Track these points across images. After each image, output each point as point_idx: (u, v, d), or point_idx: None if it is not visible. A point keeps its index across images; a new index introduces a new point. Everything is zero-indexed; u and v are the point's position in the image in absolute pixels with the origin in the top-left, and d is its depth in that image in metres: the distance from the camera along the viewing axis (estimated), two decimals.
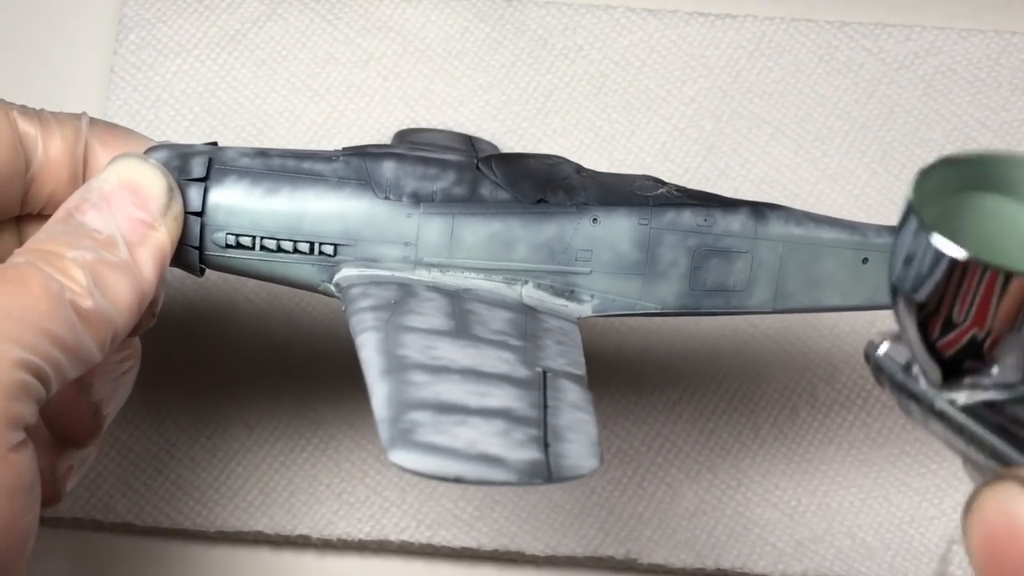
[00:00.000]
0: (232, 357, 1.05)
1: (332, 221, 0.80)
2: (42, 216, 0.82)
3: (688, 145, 1.12)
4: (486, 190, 0.82)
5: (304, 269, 0.81)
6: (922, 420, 0.63)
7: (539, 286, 0.82)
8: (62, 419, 0.80)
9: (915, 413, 0.63)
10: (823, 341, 1.07)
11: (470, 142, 1.08)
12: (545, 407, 0.72)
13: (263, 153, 0.81)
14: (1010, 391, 0.60)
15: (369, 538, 1.02)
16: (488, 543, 1.02)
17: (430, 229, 0.80)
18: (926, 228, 0.56)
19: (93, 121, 0.82)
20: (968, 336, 0.58)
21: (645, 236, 0.83)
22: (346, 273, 0.80)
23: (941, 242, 0.56)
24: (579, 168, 0.84)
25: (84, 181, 0.80)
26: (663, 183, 0.85)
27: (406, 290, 0.79)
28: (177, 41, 1.12)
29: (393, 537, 1.01)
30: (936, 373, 0.61)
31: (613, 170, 1.11)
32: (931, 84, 1.13)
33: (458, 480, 0.67)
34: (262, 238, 0.80)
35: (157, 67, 1.11)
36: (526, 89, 1.13)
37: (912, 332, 0.60)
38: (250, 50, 1.12)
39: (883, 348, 0.66)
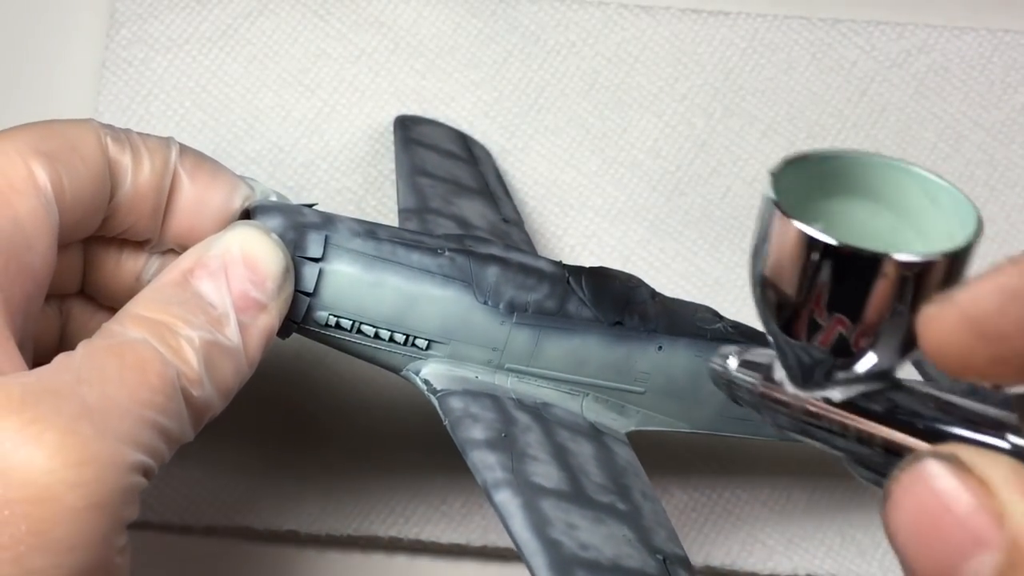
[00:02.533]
0: None
1: (433, 319, 0.82)
2: (113, 240, 0.80)
3: (680, 142, 1.12)
4: (572, 306, 0.85)
5: (393, 357, 0.83)
6: (796, 428, 0.61)
7: (597, 399, 0.87)
8: None
9: (785, 422, 0.61)
10: None
11: (465, 142, 1.08)
12: None
13: (373, 234, 0.81)
14: (885, 380, 0.58)
15: (357, 534, 1.01)
16: (476, 540, 1.02)
17: (518, 338, 0.84)
18: (791, 217, 0.54)
19: (183, 150, 0.80)
20: (838, 329, 0.56)
21: (698, 367, 0.88)
22: (434, 369, 0.83)
23: (808, 231, 0.53)
24: (653, 293, 0.89)
25: (164, 215, 0.79)
26: (720, 318, 0.90)
27: (502, 412, 0.82)
28: (168, 36, 1.12)
29: (381, 533, 1.01)
30: (806, 374, 0.59)
31: (605, 167, 1.11)
32: (923, 82, 1.13)
33: None
34: (362, 323, 0.81)
35: (148, 62, 1.11)
36: (518, 85, 1.13)
37: (778, 333, 0.58)
38: (241, 45, 1.12)
39: (733, 362, 0.65)
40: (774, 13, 1.15)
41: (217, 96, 1.11)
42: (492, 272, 0.83)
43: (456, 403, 0.82)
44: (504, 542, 1.01)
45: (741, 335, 0.89)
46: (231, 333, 0.72)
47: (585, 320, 0.85)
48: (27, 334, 0.72)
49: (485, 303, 0.83)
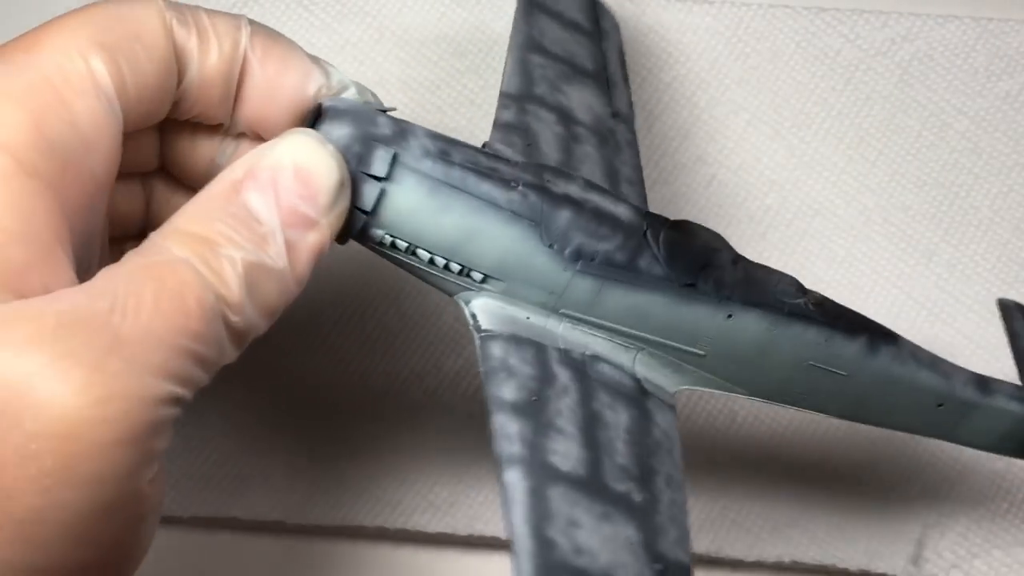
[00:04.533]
0: None
1: (492, 255, 0.78)
2: (186, 123, 0.77)
3: (665, 131, 1.12)
4: (644, 261, 0.80)
5: (446, 283, 0.79)
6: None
7: (652, 355, 0.83)
8: None
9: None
10: None
11: (595, 11, 1.03)
12: None
13: (446, 156, 0.76)
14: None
15: (344, 523, 1.01)
16: (462, 528, 1.02)
17: (579, 287, 0.79)
18: None
19: (254, 31, 0.74)
20: None
21: (767, 340, 0.84)
22: (486, 303, 0.79)
23: None
24: (736, 258, 0.84)
25: (235, 101, 0.75)
26: (805, 292, 0.85)
27: (541, 365, 0.78)
28: None
29: (368, 522, 1.01)
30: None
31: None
32: (907, 71, 1.13)
33: None
34: (418, 247, 0.77)
35: None
36: (502, 74, 1.12)
37: None
38: None
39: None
40: (759, 2, 1.15)
41: None
42: (564, 216, 0.78)
43: (497, 350, 0.77)
44: (490, 531, 1.02)
45: (824, 314, 0.85)
46: (276, 253, 0.69)
47: (655, 278, 0.81)
48: (94, 229, 0.71)
49: (551, 247, 0.78)
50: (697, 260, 0.82)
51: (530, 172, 0.78)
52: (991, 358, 1.06)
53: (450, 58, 1.12)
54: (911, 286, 1.08)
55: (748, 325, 0.83)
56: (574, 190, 0.79)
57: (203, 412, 1.03)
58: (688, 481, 1.03)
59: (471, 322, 0.79)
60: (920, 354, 0.88)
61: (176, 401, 0.65)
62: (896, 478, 1.04)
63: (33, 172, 0.65)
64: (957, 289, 1.08)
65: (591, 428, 0.78)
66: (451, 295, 0.80)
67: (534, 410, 0.76)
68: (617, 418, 0.79)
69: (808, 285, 1.08)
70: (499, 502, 1.02)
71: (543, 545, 0.72)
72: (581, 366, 0.80)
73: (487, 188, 0.76)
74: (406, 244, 0.76)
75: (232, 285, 0.67)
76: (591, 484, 0.76)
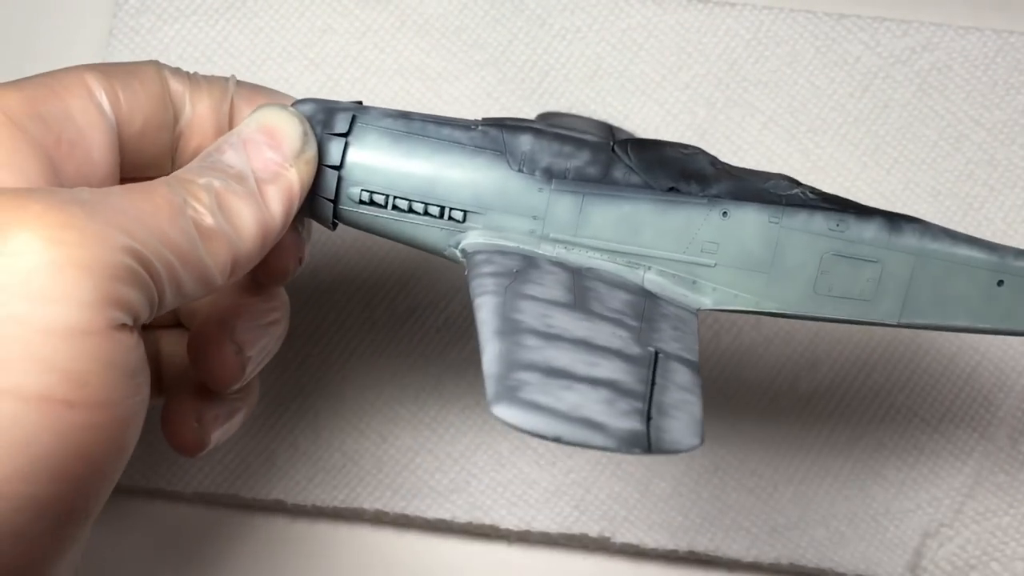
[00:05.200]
0: None
1: (465, 187, 0.80)
2: None
3: (681, 131, 1.12)
4: (619, 172, 0.81)
5: (432, 232, 0.81)
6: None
7: (662, 273, 0.82)
8: (206, 357, 0.83)
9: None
10: (805, 331, 1.07)
11: (610, 130, 1.06)
12: (653, 384, 0.72)
13: (405, 115, 0.81)
14: None
15: (343, 506, 1.02)
16: (462, 515, 1.02)
17: (560, 206, 0.80)
18: None
19: (240, 83, 0.84)
20: None
21: (774, 235, 0.82)
22: (473, 239, 0.81)
23: None
24: (714, 161, 0.83)
25: None
26: (799, 184, 0.84)
27: (530, 262, 0.79)
28: (176, 6, 1.12)
29: (367, 505, 1.02)
30: None
31: None
32: (926, 80, 1.13)
33: (557, 440, 0.66)
34: (395, 197, 0.80)
35: (156, 31, 1.12)
36: (522, 68, 1.13)
37: None
38: (248, 18, 1.12)
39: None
40: (780, 6, 1.15)
41: (222, 67, 1.11)
42: (525, 140, 0.81)
43: (480, 256, 0.79)
44: (489, 520, 1.02)
45: (826, 200, 0.83)
46: (248, 185, 0.76)
47: (634, 186, 0.81)
48: None
49: (520, 171, 0.80)
50: (672, 164, 0.82)
51: (490, 121, 0.82)
52: (997, 371, 1.06)
53: (469, 50, 1.13)
54: None
55: (747, 220, 0.81)
56: (534, 125, 0.82)
57: None
58: (689, 480, 1.04)
59: (461, 259, 0.80)
60: (951, 231, 0.84)
61: (144, 263, 0.68)
62: (899, 486, 1.04)
63: (24, 130, 0.73)
64: None
65: (582, 294, 0.77)
66: (443, 252, 0.81)
67: (512, 275, 0.77)
68: (613, 293, 0.79)
69: None
70: (501, 491, 1.02)
71: (506, 321, 0.72)
72: (576, 268, 0.80)
73: (448, 131, 0.81)
74: (383, 196, 0.80)
75: (201, 197, 0.74)
76: (573, 306, 0.76)
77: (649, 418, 0.69)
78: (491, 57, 1.13)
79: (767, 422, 1.05)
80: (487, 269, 0.77)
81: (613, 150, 0.82)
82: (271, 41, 1.12)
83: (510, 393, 0.67)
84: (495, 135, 0.81)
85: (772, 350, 1.07)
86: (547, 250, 0.81)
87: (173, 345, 0.90)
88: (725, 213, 0.81)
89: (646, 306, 0.79)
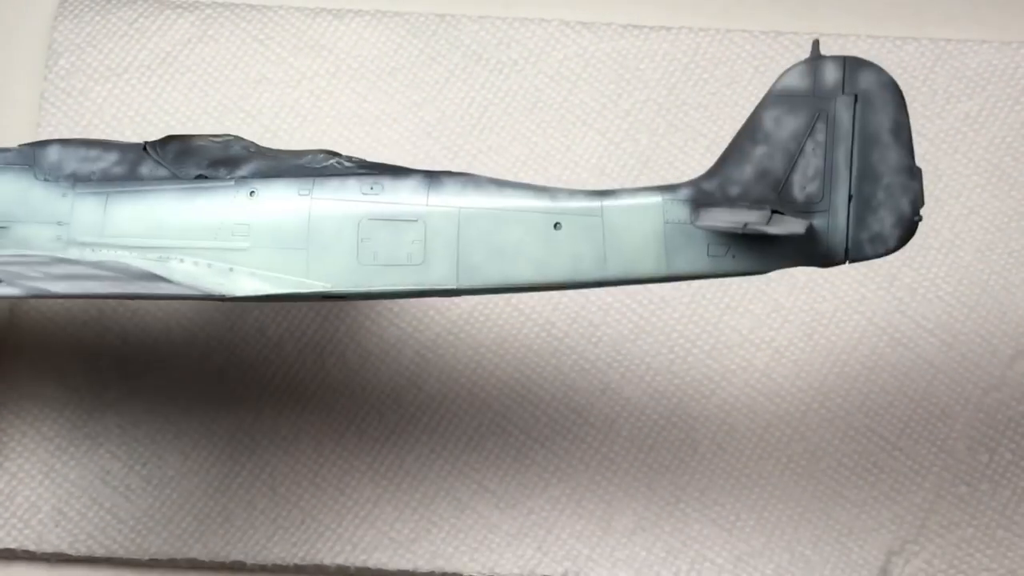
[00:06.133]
0: (166, 384, 1.04)
1: None
2: None
3: (624, 159, 1.12)
4: (146, 168, 0.80)
5: None
6: None
7: (196, 264, 0.79)
8: None
9: None
10: (762, 356, 1.07)
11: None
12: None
13: None
14: None
15: (304, 562, 1.01)
16: (424, 565, 1.01)
17: (84, 208, 0.80)
18: None
19: None
20: None
21: (306, 207, 0.78)
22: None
23: None
24: (249, 146, 0.82)
25: None
26: (337, 155, 0.81)
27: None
28: (107, 66, 1.11)
29: (328, 561, 1.01)
30: None
31: (552, 184, 1.11)
32: None
33: None
34: None
35: (88, 92, 1.11)
36: (460, 105, 1.13)
37: None
38: (181, 72, 1.12)
39: None
40: (716, 27, 1.15)
41: (158, 124, 1.10)
42: (53, 150, 0.82)
43: None
44: (452, 567, 1.01)
45: (364, 165, 0.80)
46: None
47: (160, 179, 0.80)
48: None
49: (45, 180, 0.81)
50: (201, 153, 0.81)
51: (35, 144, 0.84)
52: (953, 383, 1.05)
53: (406, 90, 1.12)
54: (872, 311, 1.07)
55: (277, 197, 0.79)
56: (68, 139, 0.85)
57: (162, 454, 1.03)
58: (649, 514, 1.03)
59: None
60: (498, 180, 0.81)
61: None
62: (861, 506, 1.04)
63: None
64: (919, 313, 1.07)
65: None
66: None
67: None
68: (70, 268, 0.79)
69: (767, 311, 1.09)
70: (462, 538, 1.02)
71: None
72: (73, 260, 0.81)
73: None
74: None
75: None
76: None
77: None
78: (428, 96, 1.13)
79: (726, 450, 1.05)
80: None
81: (144, 149, 0.82)
82: (205, 95, 1.11)
83: None
84: (27, 151, 0.82)
85: (729, 377, 1.06)
86: (73, 254, 0.81)
87: None
88: (253, 192, 0.79)
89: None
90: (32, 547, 1.00)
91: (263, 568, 1.02)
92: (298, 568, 1.02)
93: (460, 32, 1.14)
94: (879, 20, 1.16)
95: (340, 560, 1.01)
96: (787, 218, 0.78)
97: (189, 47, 1.12)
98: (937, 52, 1.13)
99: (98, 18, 1.13)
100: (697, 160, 1.11)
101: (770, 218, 0.78)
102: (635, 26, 1.14)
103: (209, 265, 0.79)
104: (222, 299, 0.79)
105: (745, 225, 0.77)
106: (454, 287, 0.80)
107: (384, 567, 1.01)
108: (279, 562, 1.01)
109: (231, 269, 0.79)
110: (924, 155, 1.10)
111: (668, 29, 1.14)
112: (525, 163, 1.11)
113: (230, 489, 1.03)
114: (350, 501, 1.03)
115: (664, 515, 1.03)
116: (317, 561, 1.01)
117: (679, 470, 1.04)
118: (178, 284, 0.78)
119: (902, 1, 1.17)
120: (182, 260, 0.79)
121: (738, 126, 1.12)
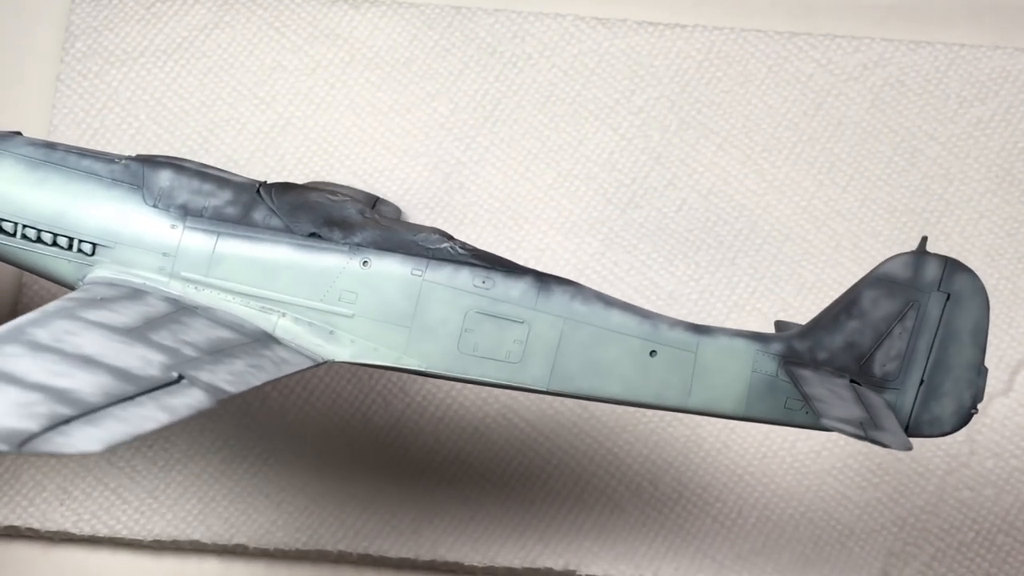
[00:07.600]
0: None
1: (94, 220, 0.79)
2: None
3: (636, 155, 1.12)
4: (259, 215, 0.80)
5: (61, 264, 0.80)
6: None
7: (297, 321, 0.79)
8: None
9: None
10: None
11: (374, 201, 1.04)
12: (127, 400, 0.66)
13: (50, 145, 0.81)
14: None
15: (307, 548, 1.02)
16: (425, 554, 1.02)
17: (192, 243, 0.79)
18: None
19: None
20: None
21: (416, 287, 0.79)
22: (99, 273, 0.79)
23: None
24: (364, 210, 0.82)
25: None
26: (451, 238, 0.82)
27: (133, 294, 0.77)
28: (124, 49, 1.12)
29: (330, 547, 1.01)
30: None
31: (560, 180, 1.11)
32: (879, 96, 1.13)
33: None
34: (24, 226, 0.79)
35: (103, 75, 1.11)
36: (473, 97, 1.13)
37: None
38: (197, 58, 1.12)
39: None
40: (730, 26, 1.15)
41: (172, 109, 1.11)
42: (165, 176, 0.80)
43: (88, 286, 0.77)
44: (453, 557, 1.02)
45: (477, 256, 0.81)
46: None
47: (273, 229, 0.79)
48: None
49: (155, 206, 0.79)
50: (317, 209, 0.81)
51: (142, 157, 0.82)
52: None
53: (420, 81, 1.13)
54: None
55: (389, 272, 0.79)
56: (181, 162, 0.82)
57: (169, 436, 1.04)
58: (652, 510, 1.03)
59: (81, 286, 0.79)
60: (605, 296, 0.82)
61: None
62: (862, 507, 1.04)
63: None
64: None
65: (159, 325, 0.74)
66: (74, 287, 0.80)
67: (98, 303, 0.75)
68: (209, 330, 0.76)
69: (777, 311, 1.09)
70: (463, 528, 1.02)
71: (9, 331, 0.68)
72: (187, 305, 0.78)
73: (88, 163, 0.80)
74: (12, 224, 0.79)
75: None
76: (129, 331, 0.72)
77: (67, 422, 0.64)
78: (442, 87, 1.13)
79: (730, 448, 1.05)
80: (76, 295, 0.76)
81: (258, 192, 0.81)
82: (221, 81, 1.12)
83: None
84: (136, 169, 0.80)
85: None
86: (176, 288, 0.79)
87: None
88: (366, 262, 0.79)
89: (243, 345, 0.76)
90: (36, 525, 1.01)
91: (265, 552, 1.02)
92: (300, 553, 1.02)
93: (475, 24, 1.14)
94: (893, 23, 1.16)
95: (342, 547, 1.02)
96: (898, 435, 0.81)
97: (205, 33, 1.12)
98: (951, 56, 1.14)
99: (116, 2, 1.13)
100: (709, 158, 1.11)
101: (869, 421, 0.80)
102: (650, 23, 1.15)
103: (310, 324, 0.79)
104: (323, 363, 0.79)
105: (866, 433, 0.79)
106: (544, 389, 0.82)
107: (386, 554, 1.02)
108: (282, 547, 1.01)
109: (332, 332, 0.80)
110: (936, 159, 1.11)
111: (682, 27, 1.14)
112: (536, 157, 1.12)
113: (235, 473, 1.03)
114: (354, 488, 1.03)
115: (666, 511, 1.04)
116: (319, 547, 1.01)
117: (682, 466, 1.05)
118: (285, 345, 0.77)
119: (917, 4, 1.17)
120: (284, 315, 0.79)
121: (750, 125, 1.13)
